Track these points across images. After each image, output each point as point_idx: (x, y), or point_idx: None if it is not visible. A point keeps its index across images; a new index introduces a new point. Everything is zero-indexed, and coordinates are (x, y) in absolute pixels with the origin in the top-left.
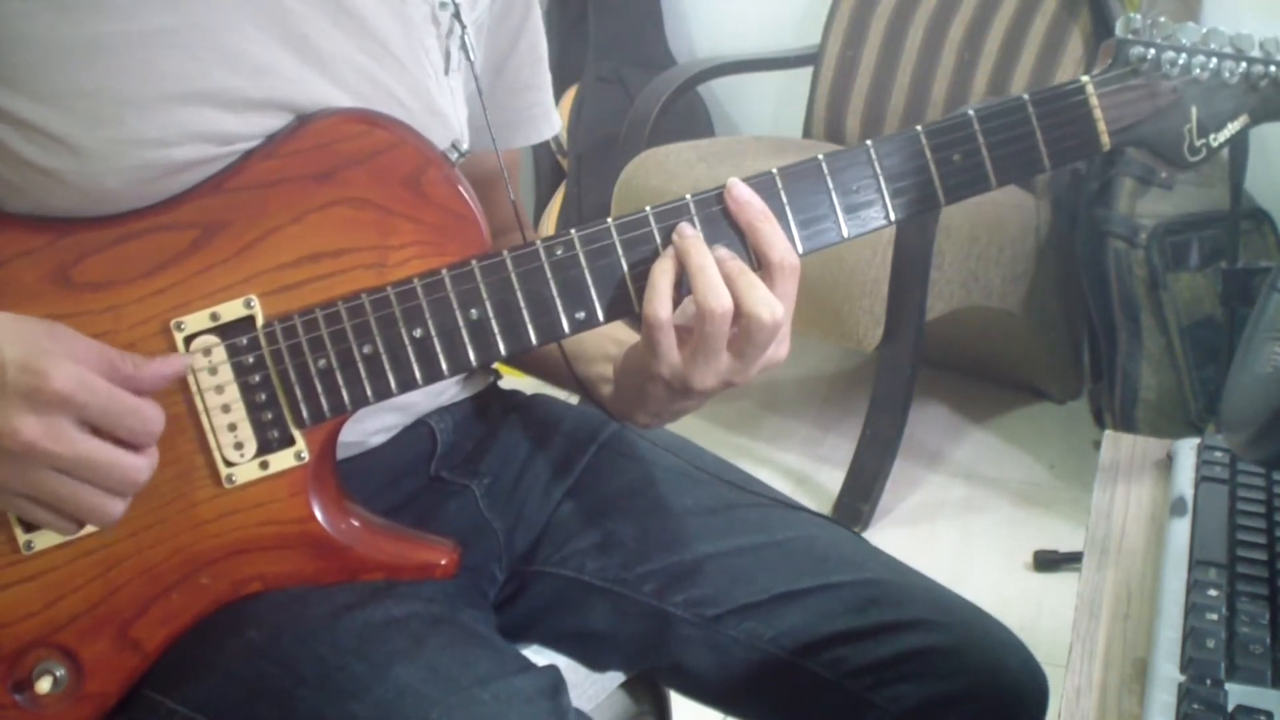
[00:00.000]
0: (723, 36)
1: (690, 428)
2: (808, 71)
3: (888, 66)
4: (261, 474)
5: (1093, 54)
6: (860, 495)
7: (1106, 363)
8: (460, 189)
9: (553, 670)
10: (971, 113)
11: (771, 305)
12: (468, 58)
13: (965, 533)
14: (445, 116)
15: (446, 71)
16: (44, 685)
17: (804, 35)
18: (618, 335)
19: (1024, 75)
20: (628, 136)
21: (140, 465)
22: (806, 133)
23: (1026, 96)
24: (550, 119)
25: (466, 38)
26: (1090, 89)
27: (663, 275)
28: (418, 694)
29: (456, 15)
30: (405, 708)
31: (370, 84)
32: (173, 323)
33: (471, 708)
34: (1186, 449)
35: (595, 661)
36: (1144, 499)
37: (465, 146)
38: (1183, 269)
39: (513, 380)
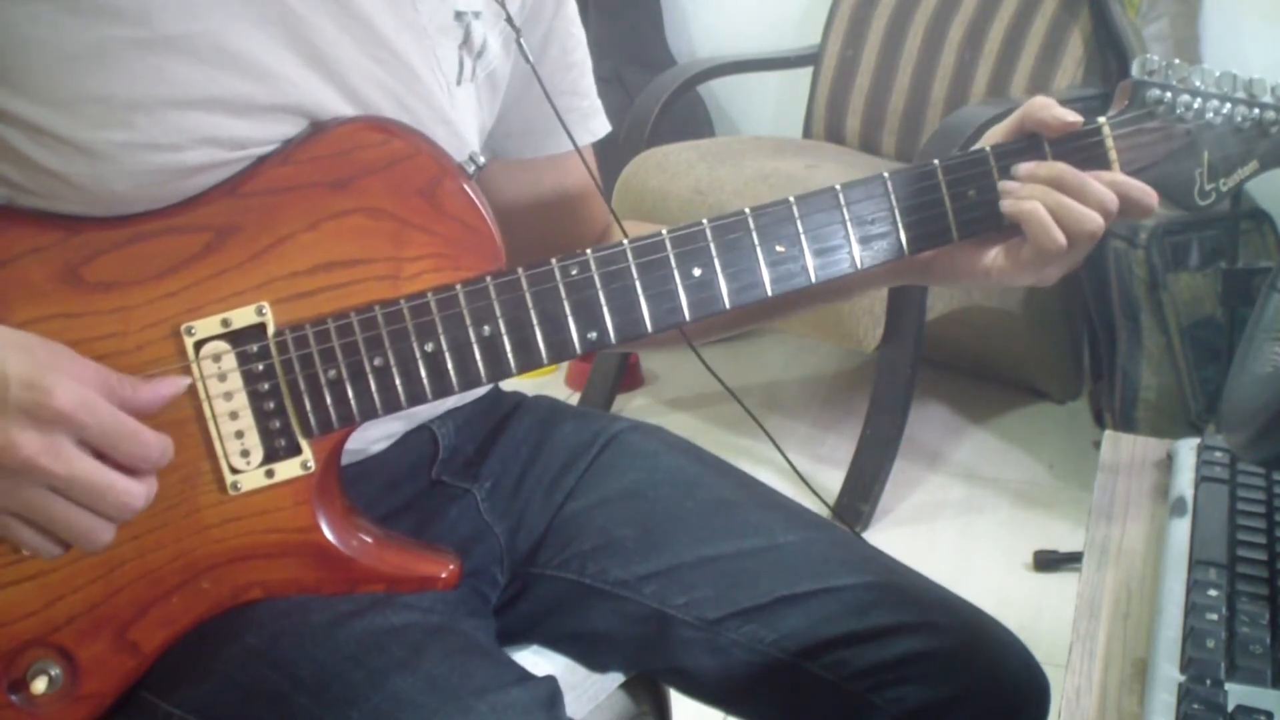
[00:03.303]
0: (723, 36)
1: (690, 428)
2: (808, 71)
3: (888, 66)
4: (267, 482)
5: (1093, 55)
6: (860, 495)
7: (1106, 363)
8: (476, 201)
9: (550, 681)
10: (988, 149)
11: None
12: (526, 60)
13: (965, 533)
14: (455, 126)
15: (459, 82)
16: (39, 685)
17: (804, 35)
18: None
19: (1024, 75)
20: (627, 136)
21: (136, 491)
22: (806, 133)
23: (1045, 137)
24: (588, 124)
25: (523, 42)
26: (1107, 130)
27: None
28: (415, 704)
29: (509, 20)
30: (402, 717)
31: (380, 90)
32: (183, 327)
33: (468, 718)
34: (1186, 449)
35: (596, 662)
36: (1144, 499)
37: (483, 160)
38: (1183, 269)
39: (513, 383)
